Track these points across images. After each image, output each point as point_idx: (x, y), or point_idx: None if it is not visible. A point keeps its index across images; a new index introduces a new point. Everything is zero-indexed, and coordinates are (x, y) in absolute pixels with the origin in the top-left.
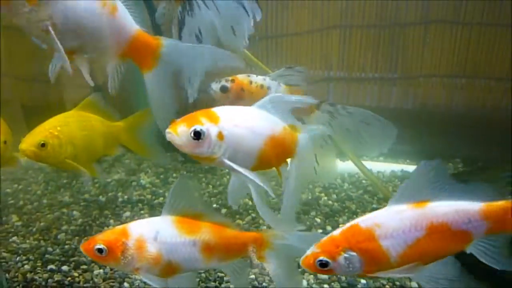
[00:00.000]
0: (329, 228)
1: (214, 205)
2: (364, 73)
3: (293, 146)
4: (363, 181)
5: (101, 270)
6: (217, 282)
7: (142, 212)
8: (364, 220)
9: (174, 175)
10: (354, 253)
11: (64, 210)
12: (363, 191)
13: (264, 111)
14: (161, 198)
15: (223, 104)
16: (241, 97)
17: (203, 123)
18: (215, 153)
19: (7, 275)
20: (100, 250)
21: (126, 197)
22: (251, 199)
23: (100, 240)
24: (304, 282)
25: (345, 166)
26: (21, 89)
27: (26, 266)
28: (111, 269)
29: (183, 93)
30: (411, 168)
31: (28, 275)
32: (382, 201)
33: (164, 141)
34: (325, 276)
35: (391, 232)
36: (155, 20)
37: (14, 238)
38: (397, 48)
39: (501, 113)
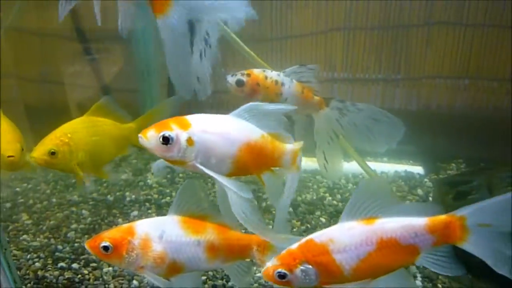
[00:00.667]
0: None
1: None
2: (367, 74)
3: (277, 155)
4: None
5: (111, 268)
6: (224, 280)
7: (149, 211)
8: (318, 236)
9: (181, 175)
10: (310, 266)
11: (73, 209)
12: None
13: (239, 119)
14: (168, 198)
15: (239, 97)
16: (256, 91)
17: (173, 129)
18: (186, 158)
19: (18, 272)
20: (105, 248)
21: (133, 196)
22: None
23: (106, 237)
24: None
25: (350, 166)
26: (25, 90)
27: (37, 264)
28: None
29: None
30: (414, 168)
31: (39, 273)
32: None
33: None
34: None
35: (344, 247)
36: None
37: (25, 236)
38: (400, 49)
39: (503, 113)
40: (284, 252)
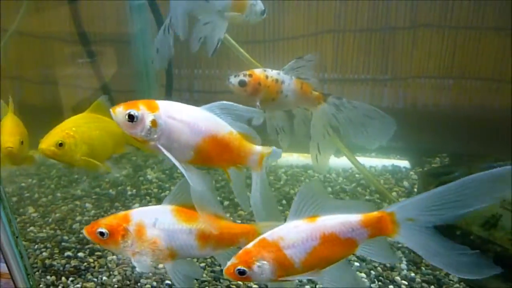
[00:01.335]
0: None
1: (218, 198)
2: (356, 75)
3: (244, 153)
4: (357, 175)
5: (115, 257)
6: (222, 265)
7: (150, 204)
8: (270, 235)
9: (179, 170)
10: (265, 262)
11: (77, 202)
12: (356, 184)
13: (210, 113)
14: (167, 192)
15: (241, 97)
16: (258, 91)
17: (140, 109)
18: (148, 138)
19: None
20: (102, 234)
21: (134, 190)
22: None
23: (103, 224)
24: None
25: (340, 161)
26: (26, 91)
27: (44, 253)
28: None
29: None
30: (401, 163)
31: (47, 261)
32: (374, 193)
33: None
34: None
35: (293, 243)
36: None
37: (32, 228)
38: (387, 51)
39: (486, 111)
40: (241, 251)
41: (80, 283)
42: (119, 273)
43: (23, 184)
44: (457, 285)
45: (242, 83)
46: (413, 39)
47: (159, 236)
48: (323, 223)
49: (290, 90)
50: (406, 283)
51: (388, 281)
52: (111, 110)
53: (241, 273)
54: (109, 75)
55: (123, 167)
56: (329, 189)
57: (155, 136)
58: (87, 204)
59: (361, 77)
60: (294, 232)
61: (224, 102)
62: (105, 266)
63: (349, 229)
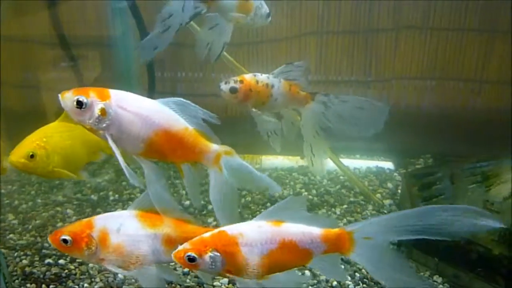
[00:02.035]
0: None
1: (202, 202)
2: (340, 77)
3: (199, 150)
4: (341, 177)
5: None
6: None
7: None
8: (231, 229)
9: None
10: (218, 254)
11: (58, 208)
12: (341, 186)
13: (165, 107)
14: None
15: (232, 103)
16: (249, 97)
17: (89, 96)
18: (96, 126)
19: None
20: (65, 241)
21: (117, 195)
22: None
23: (66, 231)
24: None
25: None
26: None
27: (24, 261)
28: None
29: None
30: (385, 164)
31: (27, 269)
32: (358, 195)
33: None
34: None
35: (251, 242)
36: None
37: (11, 235)
38: (370, 52)
39: (468, 112)
40: (197, 238)
41: None
42: (100, 280)
43: (2, 191)
44: (441, 286)
45: (233, 90)
46: (396, 40)
47: (124, 242)
48: (286, 229)
49: (280, 93)
50: None
51: (372, 283)
52: (59, 95)
53: (191, 259)
54: (91, 78)
55: (106, 172)
56: (314, 191)
57: (104, 125)
58: (68, 210)
59: (345, 79)
60: (256, 232)
61: (181, 99)
62: (87, 273)
63: (309, 240)
